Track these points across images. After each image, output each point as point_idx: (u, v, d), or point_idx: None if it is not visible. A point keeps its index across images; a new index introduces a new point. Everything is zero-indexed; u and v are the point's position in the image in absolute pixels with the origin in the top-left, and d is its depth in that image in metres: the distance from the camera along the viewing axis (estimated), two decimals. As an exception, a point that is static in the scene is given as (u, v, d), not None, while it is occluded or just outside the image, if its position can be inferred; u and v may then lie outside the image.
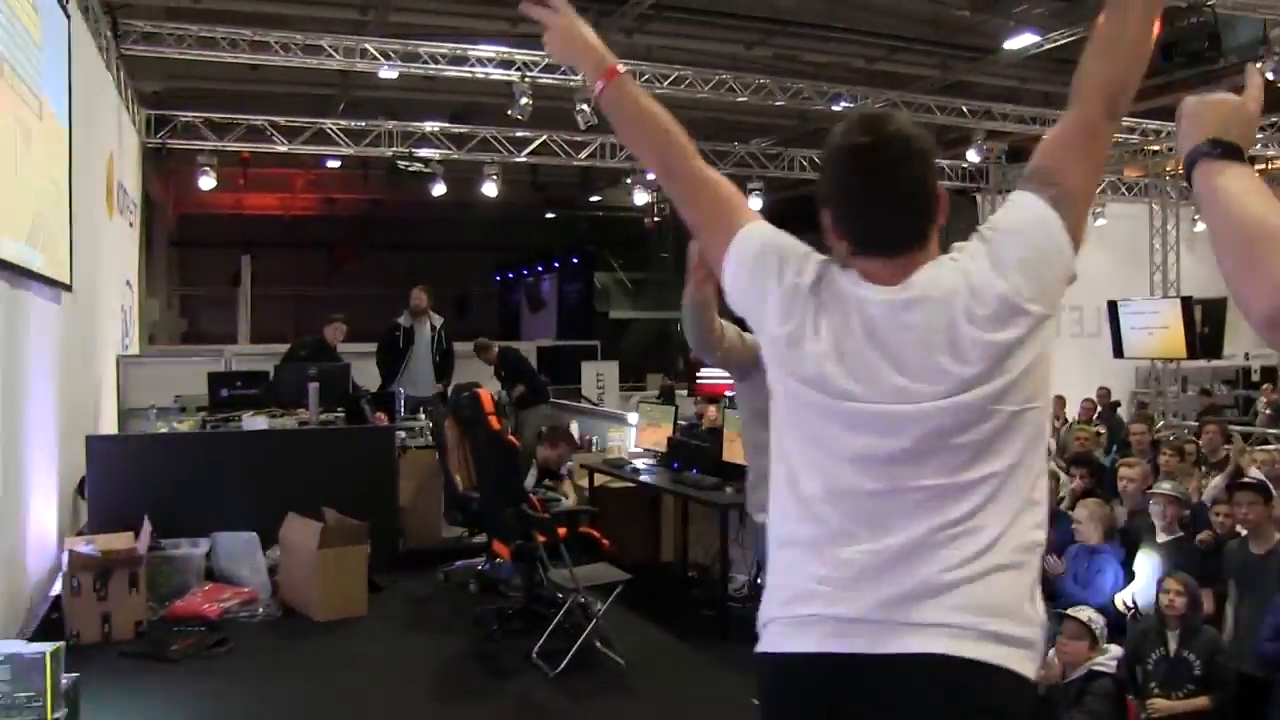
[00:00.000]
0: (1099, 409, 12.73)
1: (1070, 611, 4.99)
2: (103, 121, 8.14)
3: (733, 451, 6.37)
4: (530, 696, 5.00)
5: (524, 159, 13.17)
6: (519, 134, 12.74)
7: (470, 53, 10.23)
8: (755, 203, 14.19)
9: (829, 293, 1.73)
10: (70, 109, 6.17)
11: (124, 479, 6.48)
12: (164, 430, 7.31)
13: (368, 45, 9.95)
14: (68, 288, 6.18)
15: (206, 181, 11.76)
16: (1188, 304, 13.28)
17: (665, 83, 11.02)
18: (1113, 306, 13.93)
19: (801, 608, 1.69)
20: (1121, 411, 13.48)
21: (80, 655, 4.67)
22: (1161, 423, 12.65)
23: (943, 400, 1.66)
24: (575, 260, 26.23)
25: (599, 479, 7.47)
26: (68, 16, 6.23)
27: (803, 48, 12.69)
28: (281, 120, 11.84)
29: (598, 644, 5.37)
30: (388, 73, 10.30)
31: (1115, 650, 4.81)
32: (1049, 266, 1.72)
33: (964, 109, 12.74)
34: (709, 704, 4.86)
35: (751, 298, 1.81)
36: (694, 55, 12.30)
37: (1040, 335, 1.73)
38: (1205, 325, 14.10)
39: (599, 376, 16.61)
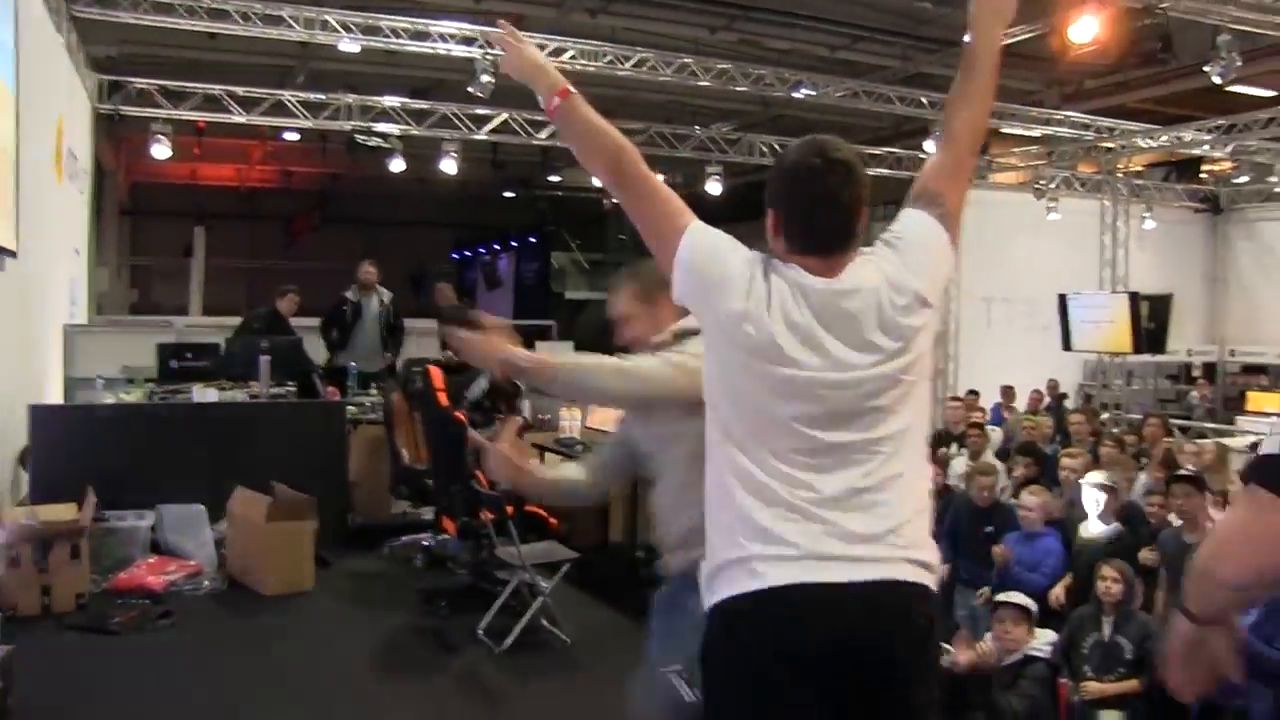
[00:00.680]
0: (1047, 400, 12.94)
1: (1009, 598, 5.11)
2: (52, 85, 8.00)
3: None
4: (476, 673, 5.03)
5: (484, 137, 13.08)
6: (479, 111, 12.66)
7: (432, 28, 10.14)
8: (715, 187, 14.25)
9: (777, 279, 2.09)
10: (17, 71, 6.07)
11: (68, 450, 6.40)
12: (111, 401, 7.23)
13: (328, 17, 9.84)
14: (12, 254, 6.08)
15: (160, 150, 11.57)
16: (1135, 299, 13.50)
17: (628, 64, 10.99)
18: (1063, 300, 14.13)
19: (774, 549, 2.00)
20: (1069, 404, 13.71)
21: (18, 627, 4.63)
22: (1107, 415, 12.88)
23: (872, 369, 2.07)
24: (533, 240, 26.15)
25: (549, 459, 7.48)
26: (18, -24, 6.13)
27: (766, 34, 12.71)
28: (239, 90, 11.66)
29: (544, 622, 5.41)
30: (348, 46, 10.19)
31: (1050, 635, 4.93)
32: (941, 271, 2.21)
33: (923, 100, 12.82)
34: (653, 683, 4.90)
35: (705, 282, 2.12)
36: (657, 38, 12.28)
37: (933, 324, 2.16)
38: (1151, 321, 14.34)
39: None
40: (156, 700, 4.53)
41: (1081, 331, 13.95)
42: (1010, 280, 15.11)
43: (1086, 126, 13.87)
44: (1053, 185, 15.44)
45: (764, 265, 2.11)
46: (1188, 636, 1.65)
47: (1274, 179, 15.50)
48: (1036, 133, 14.24)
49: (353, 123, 12.21)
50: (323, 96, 12.16)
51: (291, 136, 17.31)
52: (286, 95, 11.91)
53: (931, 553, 2.09)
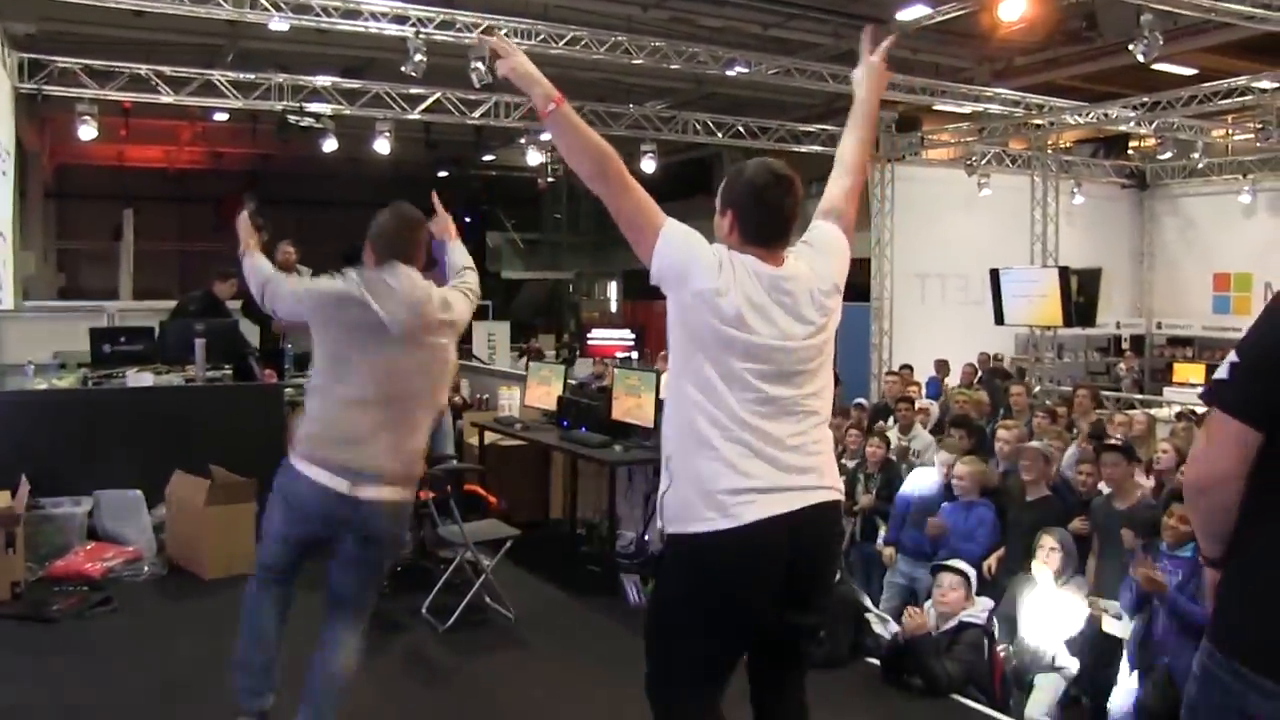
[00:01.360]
0: (979, 374, 13.17)
1: (950, 563, 5.24)
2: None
3: (622, 410, 6.48)
4: (420, 652, 5.05)
5: (417, 116, 12.99)
6: (413, 91, 12.57)
7: (364, 6, 10.03)
8: (649, 165, 14.27)
9: (740, 265, 2.64)
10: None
11: (0, 437, 6.30)
12: (44, 387, 7.11)
13: (258, -5, 9.70)
14: (-63, 238, 5.96)
15: (86, 131, 11.33)
16: (1065, 274, 13.78)
17: (560, 43, 10.97)
18: (995, 274, 14.37)
19: (742, 482, 2.56)
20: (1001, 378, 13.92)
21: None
22: (1038, 387, 13.16)
23: (805, 340, 2.68)
24: (468, 219, 26.00)
25: (489, 437, 7.51)
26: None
27: (699, 11, 12.77)
28: (167, 70, 11.45)
29: (487, 599, 5.44)
30: (279, 24, 10.05)
31: (987, 603, 5.07)
32: (843, 268, 2.85)
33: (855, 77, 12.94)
34: (598, 657, 4.96)
35: (683, 266, 2.61)
36: (590, 16, 12.28)
37: (838, 309, 2.79)
38: (1080, 295, 14.65)
39: (490, 336, 16.60)
40: (98, 686, 4.50)
41: (1013, 306, 14.21)
42: (943, 256, 15.35)
43: (1016, 103, 14.11)
44: (984, 161, 15.69)
45: (727, 254, 2.64)
46: (1214, 580, 2.02)
47: (1196, 155, 15.92)
48: (967, 109, 14.46)
49: (284, 103, 12.06)
50: (253, 76, 12.00)
51: (221, 117, 17.06)
52: (216, 75, 11.75)
53: (838, 479, 2.81)
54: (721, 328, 2.58)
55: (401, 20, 10.18)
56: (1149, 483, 6.36)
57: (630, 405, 6.44)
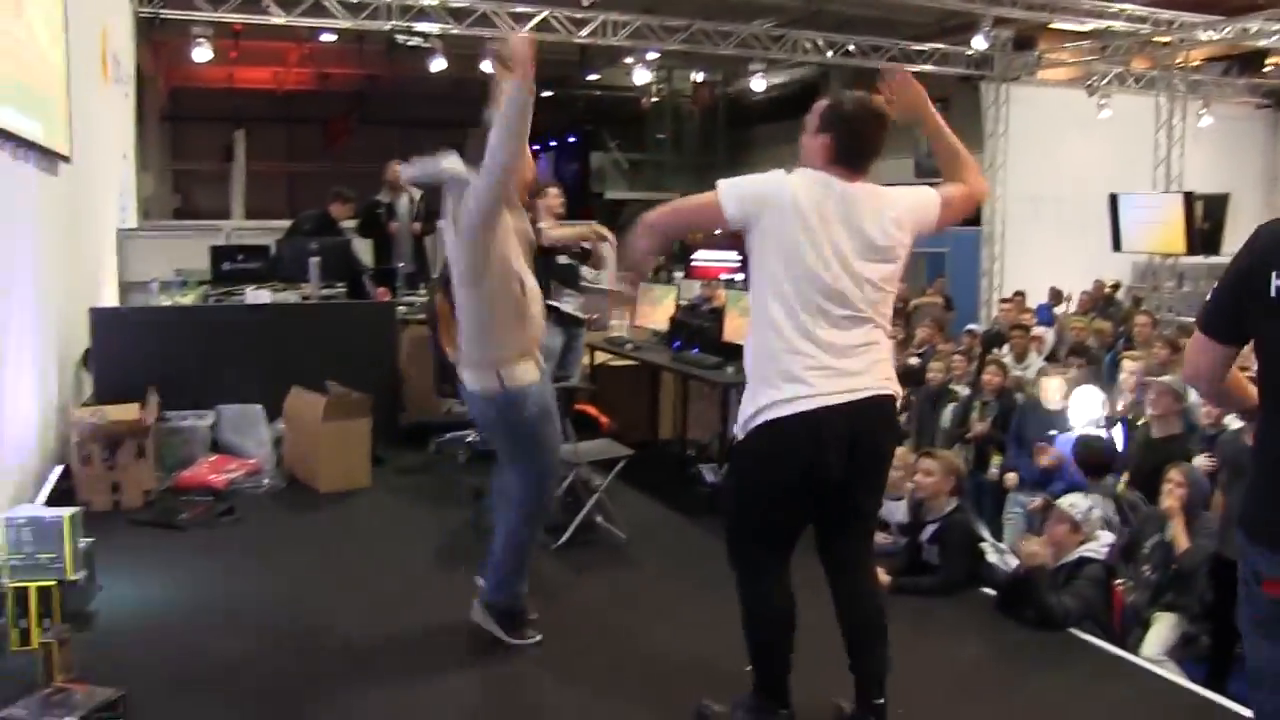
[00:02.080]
0: (1099, 301, 12.78)
1: (1057, 501, 5.13)
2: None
3: (733, 331, 6.42)
4: (534, 568, 5.11)
5: (525, 35, 12.88)
6: (519, 9, 12.48)
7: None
8: (759, 84, 13.99)
9: (810, 177, 3.05)
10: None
11: (129, 351, 6.50)
12: (167, 304, 7.32)
13: (368, -87, 9.67)
14: (66, 159, 6.10)
15: (202, 53, 11.52)
16: (1189, 199, 13.25)
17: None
18: (1114, 199, 13.87)
19: (823, 384, 2.97)
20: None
21: (91, 522, 4.75)
22: (1159, 317, 12.72)
23: (871, 256, 3.04)
24: (572, 140, 25.96)
25: (599, 357, 7.52)
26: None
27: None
28: (278, -10, 11.55)
29: (598, 519, 5.48)
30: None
31: (1107, 537, 4.92)
32: (920, 218, 3.16)
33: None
34: (708, 575, 4.94)
35: (758, 199, 3.02)
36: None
37: (906, 246, 3.13)
38: (1206, 221, 14.08)
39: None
40: (227, 591, 4.66)
41: (1133, 232, 13.74)
42: (1058, 180, 14.83)
43: (1143, 19, 13.40)
44: (1104, 82, 15.04)
45: (796, 176, 3.04)
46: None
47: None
48: (1089, 26, 13.81)
49: (392, 22, 12.07)
50: (362, -4, 12.00)
51: (329, 37, 17.14)
52: (325, -6, 11.77)
53: (896, 383, 3.17)
54: (802, 236, 2.96)
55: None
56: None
57: (742, 326, 6.37)
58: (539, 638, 4.01)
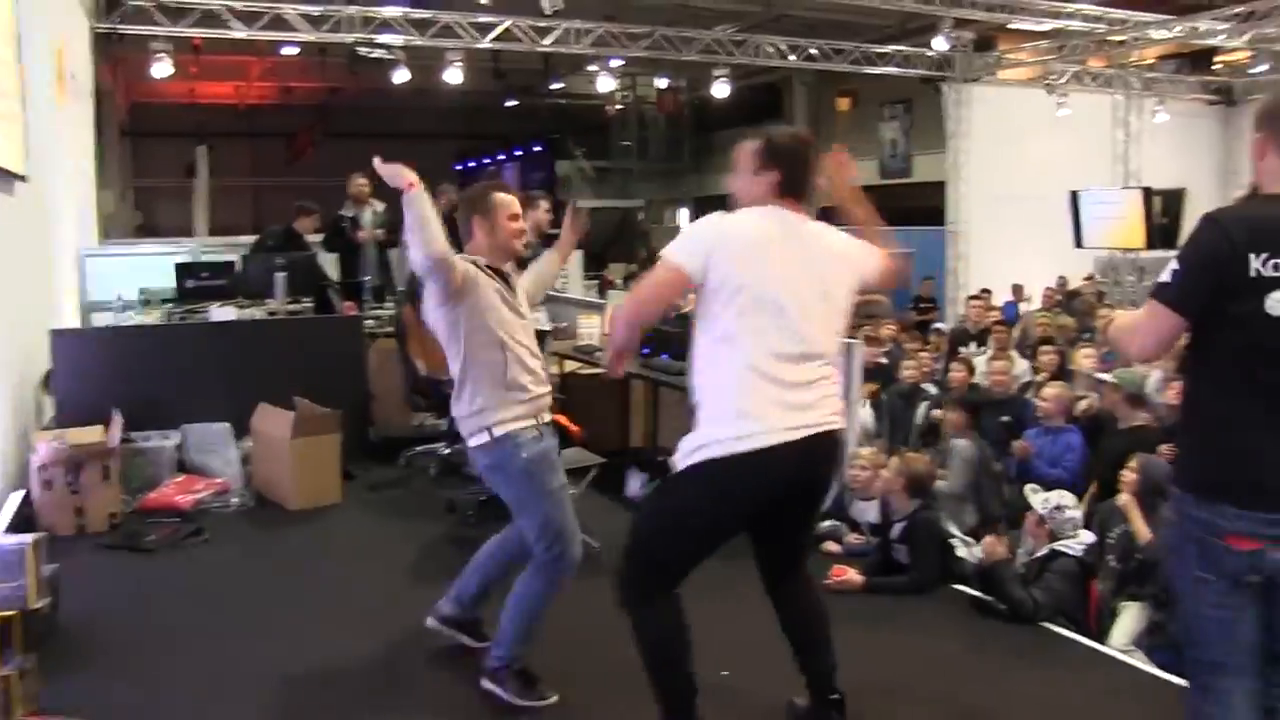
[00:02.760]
0: (1059, 297, 12.91)
1: (1024, 490, 5.18)
2: (50, 4, 7.86)
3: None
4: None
5: (487, 45, 12.89)
6: (482, 20, 12.47)
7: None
8: (722, 89, 14.04)
9: (771, 218, 3.10)
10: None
11: (92, 372, 6.42)
12: (131, 323, 7.25)
13: (325, -74, 9.64)
14: (22, 178, 6.03)
15: (162, 69, 11.42)
16: (1148, 195, 13.40)
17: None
18: (1074, 196, 14.01)
19: (776, 419, 2.98)
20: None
21: (55, 547, 4.69)
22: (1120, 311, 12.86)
23: (812, 287, 3.08)
24: (537, 148, 25.92)
25: (568, 365, 7.52)
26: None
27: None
28: (238, 5, 11.46)
29: (571, 528, 5.46)
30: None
31: (1087, 536, 4.93)
32: (859, 268, 3.25)
33: (932, -5, 12.58)
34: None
35: (706, 243, 3.04)
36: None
37: (849, 286, 3.22)
38: (1164, 215, 14.24)
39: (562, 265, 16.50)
40: (196, 614, 4.62)
41: (1093, 228, 13.88)
42: (1020, 178, 14.94)
43: (1098, 19, 13.57)
44: (1063, 80, 15.19)
45: (743, 215, 3.12)
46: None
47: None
48: (1046, 26, 13.96)
49: (355, 35, 12.03)
50: (323, 9, 11.96)
51: (290, 51, 17.05)
52: (286, 8, 11.71)
53: (839, 413, 3.18)
54: (745, 270, 2.99)
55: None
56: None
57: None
58: (554, 698, 3.80)
